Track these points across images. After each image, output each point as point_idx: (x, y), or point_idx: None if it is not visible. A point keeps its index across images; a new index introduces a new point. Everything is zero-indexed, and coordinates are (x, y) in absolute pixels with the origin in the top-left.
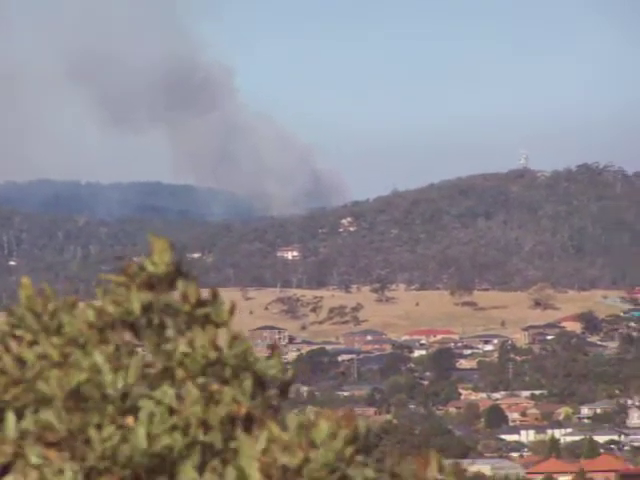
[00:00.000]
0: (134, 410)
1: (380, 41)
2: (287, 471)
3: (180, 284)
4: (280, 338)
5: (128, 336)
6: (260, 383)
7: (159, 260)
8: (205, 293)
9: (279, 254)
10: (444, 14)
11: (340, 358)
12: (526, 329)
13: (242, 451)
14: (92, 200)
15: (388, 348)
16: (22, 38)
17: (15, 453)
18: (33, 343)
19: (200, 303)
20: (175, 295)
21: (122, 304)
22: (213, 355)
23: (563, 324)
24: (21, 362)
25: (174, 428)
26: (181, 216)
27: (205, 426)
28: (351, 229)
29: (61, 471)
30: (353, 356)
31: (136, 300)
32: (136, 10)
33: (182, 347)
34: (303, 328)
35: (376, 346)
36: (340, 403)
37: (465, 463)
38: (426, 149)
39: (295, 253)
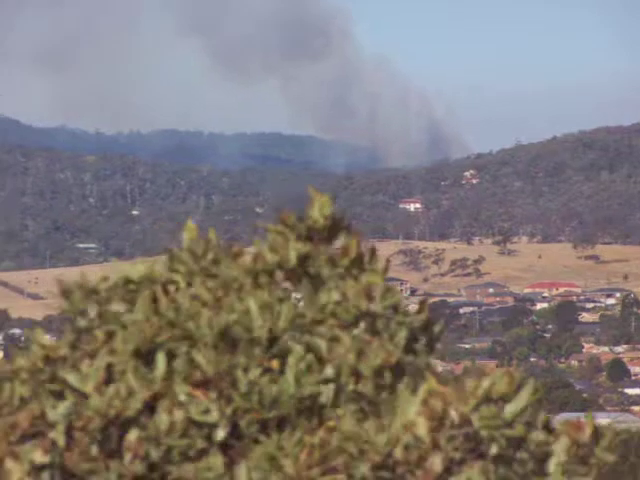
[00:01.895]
0: (282, 355)
1: None
2: (454, 420)
3: (342, 237)
4: (402, 290)
5: (285, 284)
6: (411, 336)
7: (318, 214)
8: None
9: (401, 206)
10: None
11: (462, 310)
12: None
13: (402, 401)
14: (215, 150)
15: (510, 301)
16: None
17: (162, 392)
18: (188, 286)
19: (359, 258)
20: (334, 249)
21: (279, 251)
22: (365, 305)
23: None
24: (176, 304)
25: (324, 377)
26: (303, 167)
27: (357, 375)
28: (474, 181)
29: (207, 410)
30: (475, 309)
31: (293, 249)
32: None
33: (335, 296)
34: (425, 280)
35: (498, 299)
36: (462, 355)
37: (584, 416)
38: (549, 101)
39: (417, 205)
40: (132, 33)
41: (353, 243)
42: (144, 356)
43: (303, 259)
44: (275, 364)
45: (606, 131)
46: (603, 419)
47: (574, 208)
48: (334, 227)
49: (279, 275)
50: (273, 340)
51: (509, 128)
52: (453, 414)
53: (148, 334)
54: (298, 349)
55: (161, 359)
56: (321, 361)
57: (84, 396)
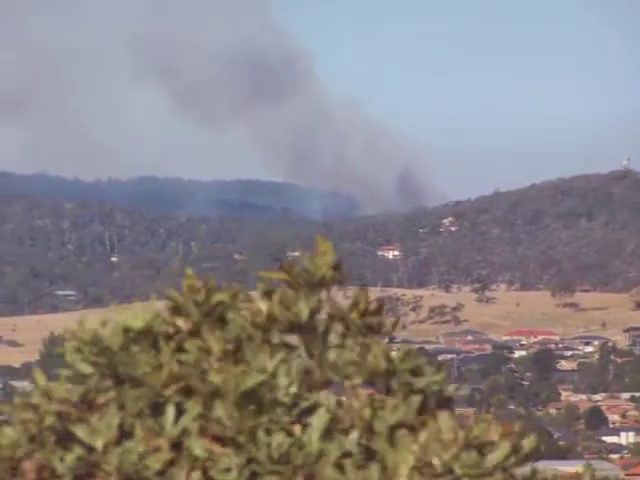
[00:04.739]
0: (300, 417)
1: (476, 29)
2: (437, 467)
3: (354, 290)
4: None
5: (291, 338)
6: (425, 397)
7: (322, 262)
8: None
9: (380, 253)
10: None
11: (440, 358)
12: (627, 330)
13: (399, 448)
14: (193, 197)
15: (488, 348)
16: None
17: (173, 447)
18: (193, 333)
19: (368, 312)
20: (338, 298)
21: (290, 307)
22: (383, 366)
23: None
24: (181, 351)
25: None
26: (281, 214)
27: (370, 431)
28: (452, 229)
29: (228, 469)
30: (453, 356)
31: (305, 304)
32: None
33: (351, 355)
34: (403, 327)
35: (476, 346)
36: None
37: (564, 464)
38: (527, 149)
39: (396, 252)
40: (97, 79)
41: (362, 296)
42: (152, 409)
43: (313, 313)
44: (297, 429)
45: (584, 179)
46: (581, 467)
47: (552, 255)
48: (338, 277)
49: (289, 329)
50: (295, 403)
51: (487, 175)
52: (436, 462)
53: (157, 387)
54: (322, 411)
55: (170, 413)
56: (332, 420)
57: (91, 450)
